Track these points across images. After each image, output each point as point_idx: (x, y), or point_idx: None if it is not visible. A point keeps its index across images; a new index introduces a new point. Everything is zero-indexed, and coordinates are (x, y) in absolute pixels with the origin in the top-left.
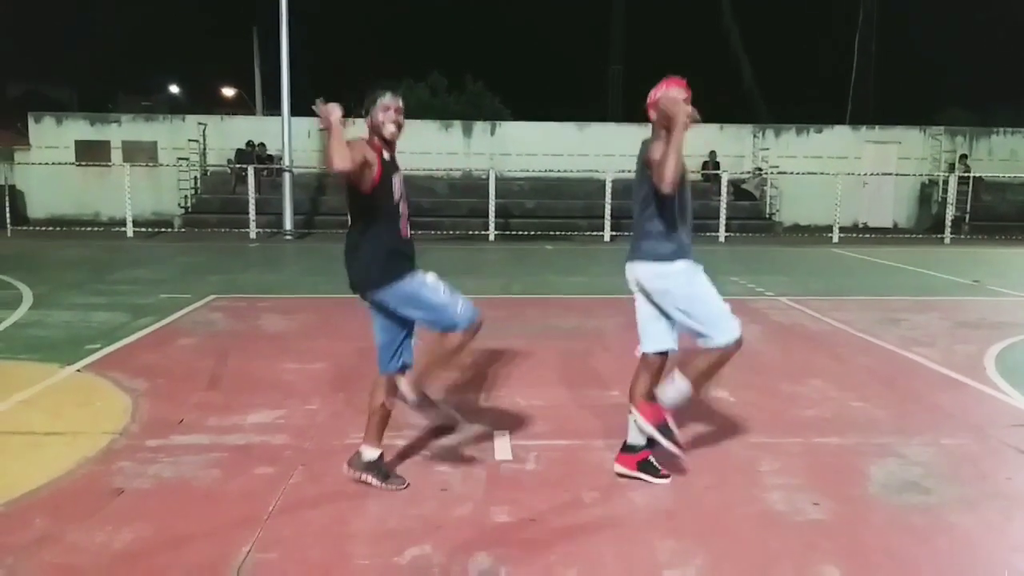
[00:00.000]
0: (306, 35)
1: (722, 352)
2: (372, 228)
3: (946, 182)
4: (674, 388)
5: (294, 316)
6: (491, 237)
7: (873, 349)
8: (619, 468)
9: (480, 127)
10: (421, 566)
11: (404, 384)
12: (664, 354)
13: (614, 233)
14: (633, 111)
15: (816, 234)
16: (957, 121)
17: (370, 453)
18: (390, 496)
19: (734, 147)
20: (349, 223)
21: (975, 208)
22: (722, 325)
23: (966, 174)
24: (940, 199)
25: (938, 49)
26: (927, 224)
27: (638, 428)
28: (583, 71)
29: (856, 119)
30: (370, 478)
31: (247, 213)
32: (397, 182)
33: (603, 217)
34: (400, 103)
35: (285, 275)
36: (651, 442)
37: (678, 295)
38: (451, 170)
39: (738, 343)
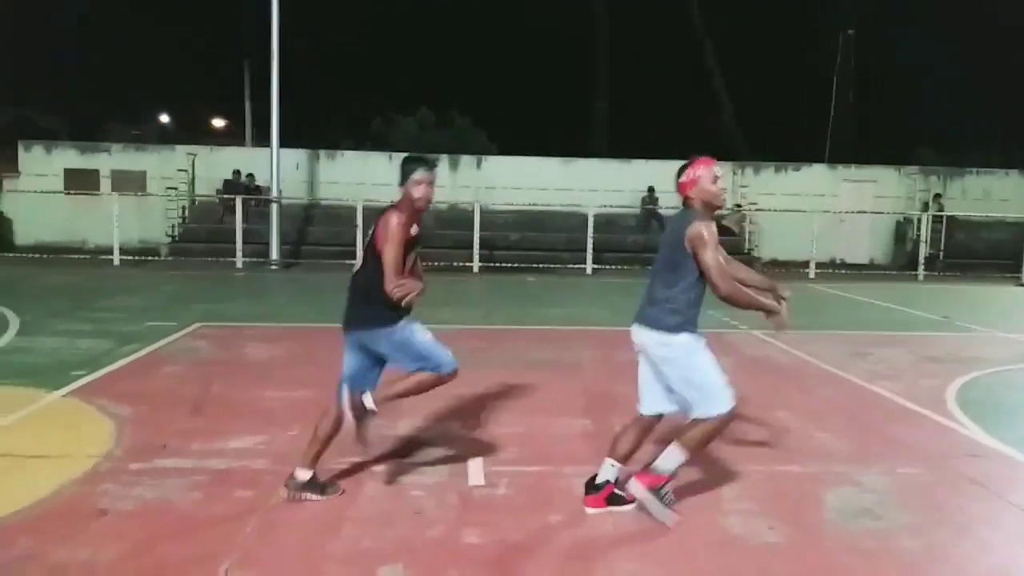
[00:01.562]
0: (296, 68)
1: (716, 423)
2: (377, 285)
3: (920, 220)
4: (670, 459)
5: (278, 345)
6: (475, 268)
7: (839, 382)
8: (590, 510)
9: (466, 161)
10: None
11: (368, 396)
12: (659, 416)
13: (595, 266)
14: (616, 147)
15: (794, 269)
16: (931, 161)
17: (303, 474)
18: (365, 520)
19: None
20: (364, 266)
21: (949, 246)
22: (716, 398)
23: (940, 213)
24: (915, 237)
25: (913, 92)
26: (902, 261)
27: (640, 497)
28: (568, 108)
29: (834, 158)
30: (308, 495)
31: (234, 243)
32: (410, 259)
33: (585, 250)
34: (434, 175)
35: (270, 304)
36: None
37: (679, 364)
38: (437, 203)
39: (731, 415)
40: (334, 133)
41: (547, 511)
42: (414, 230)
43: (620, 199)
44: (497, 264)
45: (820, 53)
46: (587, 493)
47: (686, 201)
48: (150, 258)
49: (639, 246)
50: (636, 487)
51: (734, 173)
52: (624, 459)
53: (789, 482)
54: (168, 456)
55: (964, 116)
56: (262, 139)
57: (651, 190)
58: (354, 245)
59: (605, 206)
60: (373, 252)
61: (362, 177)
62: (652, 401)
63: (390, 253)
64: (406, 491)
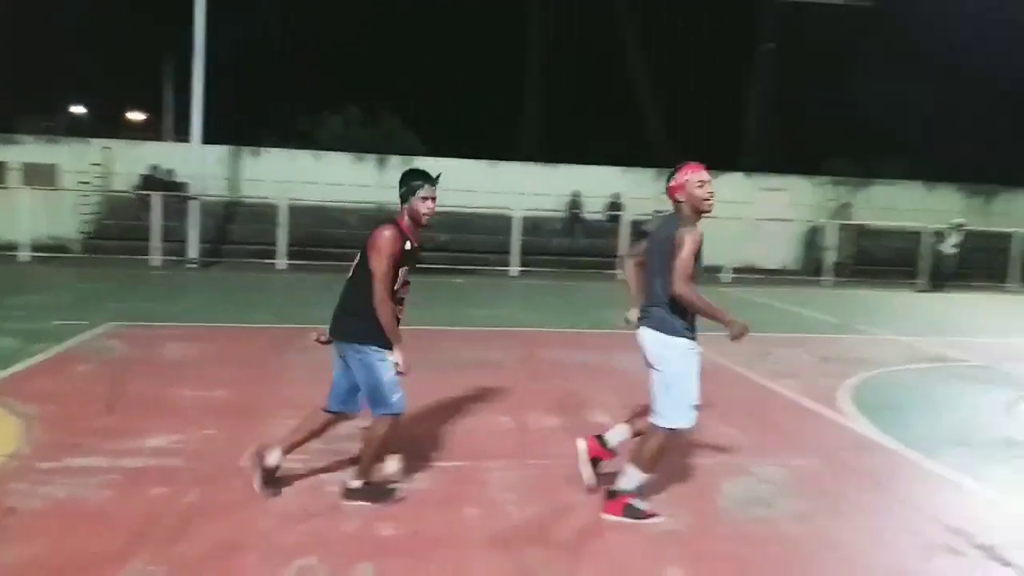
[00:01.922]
0: (220, 61)
1: (667, 438)
2: (367, 294)
3: (828, 228)
4: (628, 479)
5: (194, 344)
6: None
7: (743, 381)
8: (605, 516)
9: (394, 161)
10: (308, 575)
11: (273, 453)
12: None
13: (522, 268)
14: (546, 151)
15: (710, 275)
16: (842, 172)
17: (356, 482)
18: (281, 514)
19: (638, 190)
20: (352, 276)
21: (856, 253)
22: (682, 411)
23: (848, 221)
24: (824, 244)
25: (827, 105)
26: (812, 267)
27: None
28: (498, 111)
29: (750, 167)
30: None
31: (150, 240)
32: (403, 272)
33: (511, 253)
34: (435, 191)
35: (187, 304)
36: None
37: (669, 368)
38: (363, 203)
39: (685, 433)
40: (259, 129)
41: (463, 504)
42: (408, 244)
43: (546, 203)
44: (424, 265)
45: (741, 65)
46: (606, 497)
47: (676, 205)
48: (61, 255)
49: (564, 249)
50: (610, 519)
51: (656, 180)
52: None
53: (691, 474)
54: (80, 455)
55: (874, 130)
56: (183, 134)
57: (576, 194)
58: (274, 244)
59: (532, 209)
60: (364, 264)
61: (287, 175)
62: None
63: (381, 277)
64: (323, 487)
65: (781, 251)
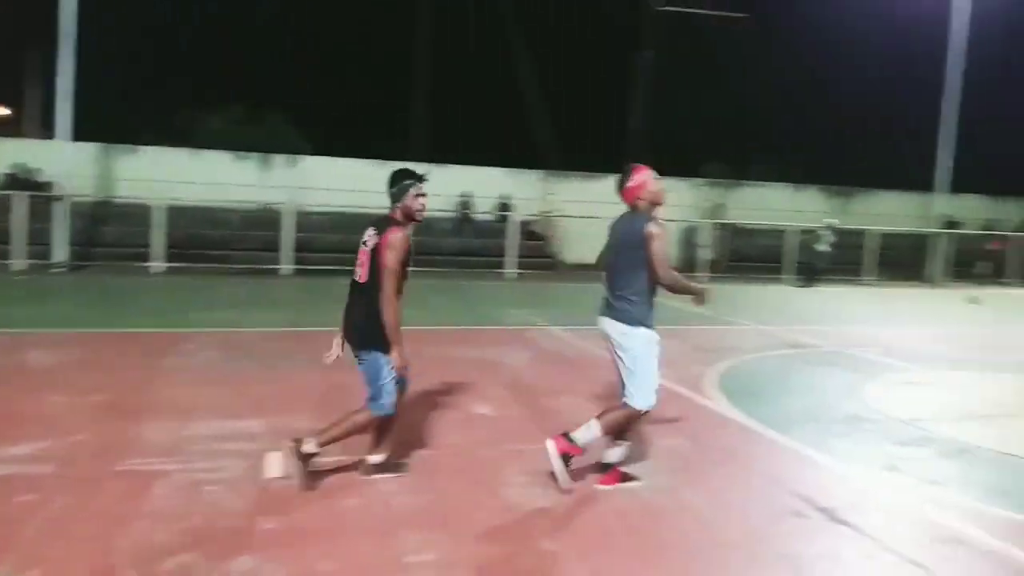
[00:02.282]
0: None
1: (631, 413)
2: (379, 300)
3: (704, 228)
4: (586, 433)
5: (63, 350)
6: (288, 271)
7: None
8: (600, 487)
9: (279, 160)
10: (186, 571)
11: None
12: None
13: (411, 268)
14: (435, 152)
15: (595, 273)
16: (716, 174)
17: (376, 457)
18: (157, 516)
19: (525, 191)
20: (367, 283)
21: (729, 251)
22: (646, 393)
23: (722, 221)
24: (698, 243)
25: (704, 109)
26: (689, 265)
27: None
28: (388, 111)
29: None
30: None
31: (11, 243)
32: (407, 270)
33: None
34: (424, 188)
35: (54, 309)
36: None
37: (633, 354)
38: (246, 203)
39: (647, 411)
40: (133, 126)
41: (344, 497)
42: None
43: (436, 203)
44: (312, 267)
45: (622, 71)
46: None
47: (633, 205)
48: None
49: (454, 249)
50: (551, 447)
51: (543, 181)
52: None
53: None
54: None
55: (746, 134)
56: (50, 130)
57: (466, 195)
58: (149, 246)
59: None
60: (378, 268)
61: (164, 174)
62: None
63: (392, 274)
64: (200, 488)
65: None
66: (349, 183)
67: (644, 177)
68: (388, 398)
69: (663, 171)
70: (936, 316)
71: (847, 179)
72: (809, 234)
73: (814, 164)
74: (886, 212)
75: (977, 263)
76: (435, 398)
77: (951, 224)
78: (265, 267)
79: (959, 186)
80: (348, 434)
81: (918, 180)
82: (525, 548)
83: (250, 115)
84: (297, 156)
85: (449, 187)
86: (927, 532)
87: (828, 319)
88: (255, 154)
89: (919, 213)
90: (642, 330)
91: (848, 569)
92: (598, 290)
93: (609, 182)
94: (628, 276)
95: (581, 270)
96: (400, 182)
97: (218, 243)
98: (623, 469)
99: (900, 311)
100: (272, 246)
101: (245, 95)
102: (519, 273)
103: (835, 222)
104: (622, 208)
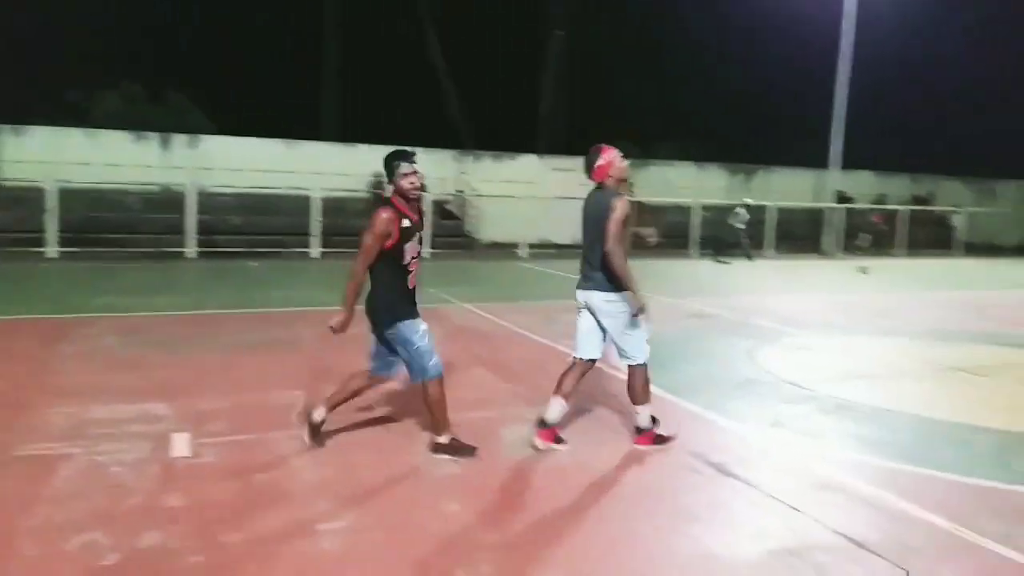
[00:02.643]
0: None
1: (643, 370)
2: (383, 277)
3: None
4: (642, 416)
5: None
6: (192, 254)
7: (530, 343)
8: (538, 442)
9: (180, 140)
10: (91, 549)
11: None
12: (592, 362)
13: (323, 250)
14: (345, 131)
15: (509, 250)
16: (626, 153)
17: (319, 413)
18: (59, 498)
19: (438, 170)
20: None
21: (637, 227)
22: (642, 347)
23: (630, 198)
24: None
25: (616, 89)
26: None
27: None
28: (294, 90)
29: (545, 149)
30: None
31: None
32: (410, 247)
33: (312, 234)
34: (417, 167)
35: None
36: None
37: (620, 319)
38: (147, 184)
39: (647, 362)
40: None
41: (252, 472)
42: (406, 222)
43: (347, 183)
44: (218, 249)
45: (534, 51)
46: (538, 427)
47: (601, 183)
48: None
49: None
50: (644, 447)
51: (457, 160)
52: (567, 397)
53: (475, 425)
54: None
55: (653, 114)
56: None
57: (379, 175)
58: (42, 231)
59: (332, 190)
60: (381, 253)
61: (57, 155)
62: (588, 349)
63: (365, 242)
64: (104, 469)
65: (572, 227)
66: (255, 163)
67: (611, 156)
68: (429, 358)
69: (573, 151)
70: (829, 286)
71: (748, 158)
72: (718, 211)
73: (717, 144)
74: (784, 189)
75: (859, 235)
76: (347, 375)
77: (844, 199)
78: (169, 251)
79: (851, 163)
80: (442, 410)
81: (814, 158)
82: (432, 511)
83: (150, 93)
84: (200, 136)
85: (360, 167)
86: (807, 481)
87: (730, 291)
88: (155, 134)
89: (814, 189)
90: (622, 295)
91: (736, 516)
92: (511, 268)
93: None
94: (600, 249)
95: (495, 249)
96: (389, 164)
97: (118, 227)
98: (656, 431)
99: (797, 282)
100: (175, 229)
101: (144, 72)
102: (433, 252)
103: (750, 202)
104: (539, 187)
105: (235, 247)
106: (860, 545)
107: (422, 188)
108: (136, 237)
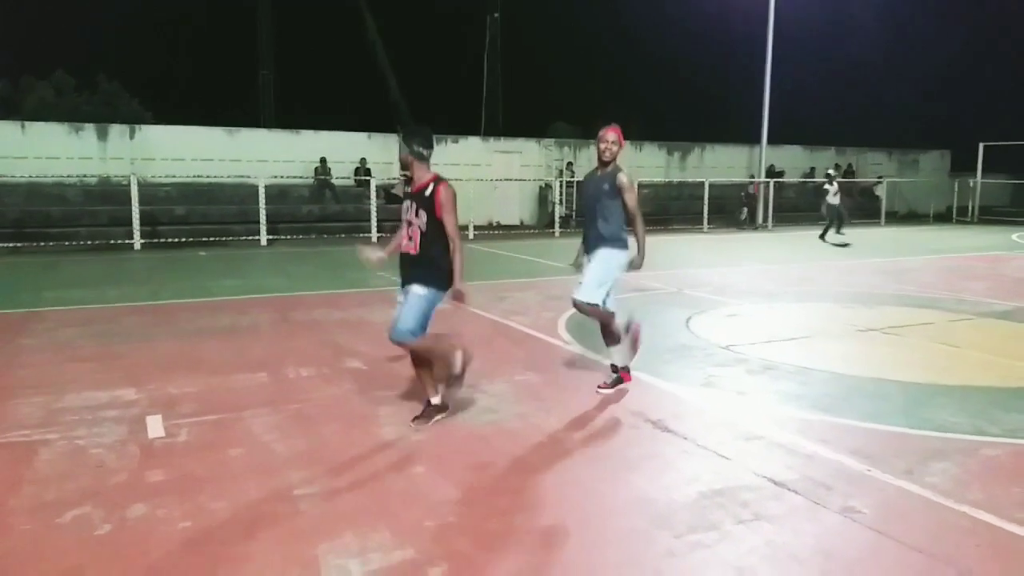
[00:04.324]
0: None
1: (590, 308)
2: (443, 243)
3: (555, 185)
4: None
5: None
6: (137, 245)
7: (481, 320)
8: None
9: (117, 130)
10: (84, 521)
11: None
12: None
13: (271, 237)
14: (285, 117)
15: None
16: (565, 134)
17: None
18: (45, 480)
19: (383, 155)
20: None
21: (579, 206)
22: (594, 292)
23: (571, 179)
24: (553, 200)
25: (553, 72)
26: (546, 221)
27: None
28: (232, 76)
29: (487, 131)
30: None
31: None
32: (404, 210)
33: (259, 222)
34: (403, 153)
35: None
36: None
37: (608, 262)
38: (85, 176)
39: (599, 308)
40: None
41: (227, 448)
42: (406, 188)
43: (291, 170)
44: (163, 240)
45: (473, 33)
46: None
47: (608, 160)
48: None
49: (314, 216)
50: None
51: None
52: (620, 339)
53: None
54: None
55: (594, 94)
56: None
57: (323, 160)
58: None
59: (277, 177)
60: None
61: None
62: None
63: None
64: (85, 452)
65: (517, 208)
66: (197, 152)
67: (619, 134)
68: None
69: (515, 132)
70: (761, 257)
71: (682, 136)
72: (655, 188)
73: (653, 122)
74: (718, 164)
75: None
76: (305, 357)
77: (774, 173)
78: (113, 242)
79: (780, 138)
80: (435, 354)
81: (746, 134)
82: (399, 473)
83: (83, 83)
84: (138, 126)
85: (303, 153)
86: (735, 433)
87: (669, 263)
88: (92, 125)
89: (746, 164)
90: (624, 252)
91: (669, 463)
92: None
93: (466, 144)
94: (607, 217)
95: None
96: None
97: (59, 220)
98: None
99: (731, 254)
100: (118, 221)
101: (75, 61)
102: (380, 236)
103: (832, 172)
104: (483, 169)
105: (179, 236)
106: (780, 484)
107: (403, 167)
108: (78, 230)
